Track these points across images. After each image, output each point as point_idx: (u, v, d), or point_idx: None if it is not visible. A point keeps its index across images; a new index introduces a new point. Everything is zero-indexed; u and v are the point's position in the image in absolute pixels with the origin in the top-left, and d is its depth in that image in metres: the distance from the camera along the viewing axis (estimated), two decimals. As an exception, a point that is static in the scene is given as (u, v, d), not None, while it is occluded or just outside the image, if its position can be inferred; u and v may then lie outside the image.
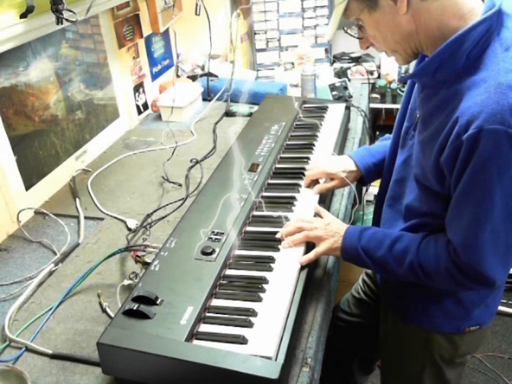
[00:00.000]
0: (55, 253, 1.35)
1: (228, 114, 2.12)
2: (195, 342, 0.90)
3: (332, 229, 1.13)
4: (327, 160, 1.38)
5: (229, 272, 1.07)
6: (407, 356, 1.30)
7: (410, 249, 1.04)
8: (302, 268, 1.08)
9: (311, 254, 1.11)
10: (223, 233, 1.13)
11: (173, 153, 1.75)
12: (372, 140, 2.73)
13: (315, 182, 1.35)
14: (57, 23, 1.33)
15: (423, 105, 1.03)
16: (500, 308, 2.50)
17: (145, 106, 2.21)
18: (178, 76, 2.48)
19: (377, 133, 2.86)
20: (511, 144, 0.85)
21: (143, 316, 0.92)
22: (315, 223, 1.15)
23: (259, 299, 0.98)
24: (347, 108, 1.86)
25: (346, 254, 1.11)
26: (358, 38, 1.07)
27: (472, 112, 0.87)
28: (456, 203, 0.96)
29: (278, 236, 1.16)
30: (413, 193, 1.10)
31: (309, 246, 1.14)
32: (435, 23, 0.94)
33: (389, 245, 1.06)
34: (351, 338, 1.61)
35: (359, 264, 1.11)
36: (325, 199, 1.35)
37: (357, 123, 1.98)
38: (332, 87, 2.21)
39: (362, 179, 1.34)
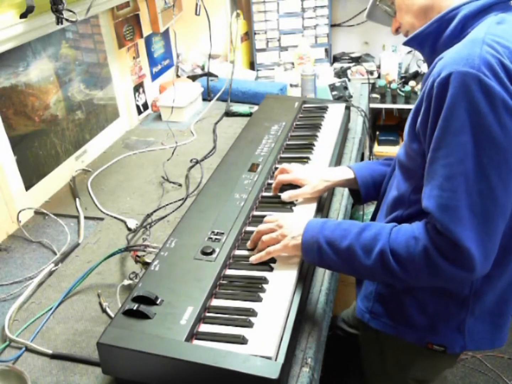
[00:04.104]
0: (55, 253, 1.35)
1: (228, 114, 2.12)
2: (195, 342, 0.90)
3: (292, 226, 1.05)
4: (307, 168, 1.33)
5: (229, 272, 1.07)
6: (372, 364, 1.31)
7: (380, 236, 0.95)
8: (302, 268, 1.08)
9: (263, 252, 1.06)
10: (223, 233, 1.13)
11: (173, 153, 1.75)
12: (372, 140, 2.73)
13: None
14: (57, 23, 1.33)
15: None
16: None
17: (145, 106, 2.21)
18: (178, 76, 2.48)
19: (377, 133, 2.86)
20: (482, 90, 0.83)
21: (143, 316, 0.92)
22: (275, 222, 1.08)
23: (259, 299, 0.98)
24: (347, 108, 1.86)
25: (306, 249, 1.00)
26: (392, 15, 1.12)
27: (445, 60, 0.88)
28: (429, 164, 0.91)
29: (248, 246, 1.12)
30: (394, 185, 1.09)
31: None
32: (448, 1, 0.98)
33: (356, 233, 0.97)
34: (348, 348, 1.59)
35: (322, 261, 1.01)
36: (325, 200, 1.35)
37: (357, 123, 1.98)
38: (332, 87, 2.21)
39: (358, 193, 1.29)
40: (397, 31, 1.12)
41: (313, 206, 1.27)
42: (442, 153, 0.88)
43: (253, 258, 1.07)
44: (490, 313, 1.08)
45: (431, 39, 0.99)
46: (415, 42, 1.04)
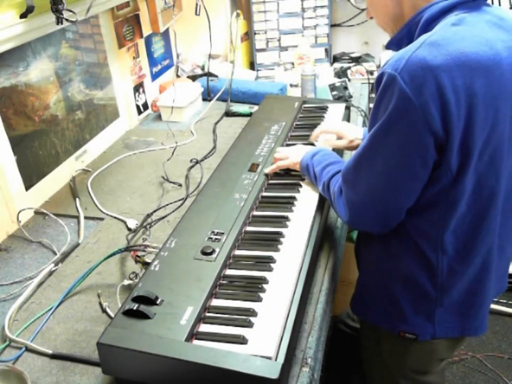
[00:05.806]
0: (55, 253, 1.35)
1: (228, 114, 2.12)
2: (195, 342, 0.90)
3: (298, 151, 1.37)
4: (344, 124, 1.53)
5: (229, 272, 1.07)
6: (371, 356, 1.36)
7: (328, 174, 1.19)
8: (302, 268, 1.08)
9: (274, 165, 1.39)
10: (223, 233, 1.13)
11: (173, 153, 1.75)
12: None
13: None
14: (57, 23, 1.33)
15: None
16: (500, 308, 2.50)
17: (145, 106, 2.21)
18: (178, 76, 2.48)
19: (377, 133, 2.86)
20: (399, 93, 0.91)
21: (143, 316, 0.92)
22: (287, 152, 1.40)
23: (259, 299, 0.98)
24: (347, 108, 1.86)
25: (302, 167, 1.33)
26: (361, 9, 1.25)
27: (388, 60, 0.96)
28: None
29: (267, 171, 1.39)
30: None
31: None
32: (418, 8, 1.03)
33: (322, 168, 1.23)
34: (352, 344, 1.61)
35: (307, 175, 1.32)
36: (325, 199, 1.35)
37: (357, 123, 1.99)
38: (332, 87, 2.21)
39: None
40: (371, 18, 1.19)
41: (314, 204, 1.27)
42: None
43: (268, 170, 1.40)
44: (460, 304, 1.12)
45: (405, 42, 1.03)
46: (393, 45, 1.12)
